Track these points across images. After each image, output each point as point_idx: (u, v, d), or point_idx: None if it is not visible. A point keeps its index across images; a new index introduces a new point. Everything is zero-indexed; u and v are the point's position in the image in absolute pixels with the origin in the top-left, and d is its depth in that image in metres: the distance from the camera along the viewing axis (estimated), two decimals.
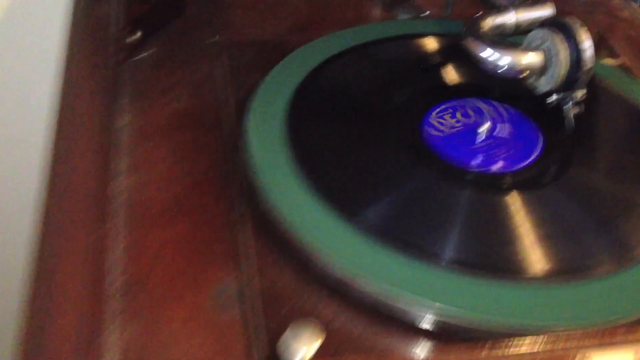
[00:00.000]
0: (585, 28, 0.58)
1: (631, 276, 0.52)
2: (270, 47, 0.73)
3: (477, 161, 0.59)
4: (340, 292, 0.51)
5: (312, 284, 0.52)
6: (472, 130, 0.62)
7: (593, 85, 0.68)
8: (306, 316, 0.49)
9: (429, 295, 0.49)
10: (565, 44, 0.59)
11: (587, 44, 0.58)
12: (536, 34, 0.61)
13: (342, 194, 0.55)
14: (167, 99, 0.65)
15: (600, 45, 0.80)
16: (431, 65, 0.70)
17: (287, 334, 0.46)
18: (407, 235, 0.52)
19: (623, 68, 0.76)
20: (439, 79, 0.68)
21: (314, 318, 0.48)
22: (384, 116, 0.63)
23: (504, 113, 0.64)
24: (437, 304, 0.48)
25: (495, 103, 0.65)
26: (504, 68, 0.60)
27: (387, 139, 0.61)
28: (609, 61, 0.76)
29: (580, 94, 0.60)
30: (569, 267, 0.52)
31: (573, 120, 0.61)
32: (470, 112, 0.64)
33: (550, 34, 0.59)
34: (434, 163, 0.59)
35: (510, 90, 0.66)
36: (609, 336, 0.50)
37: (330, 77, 0.66)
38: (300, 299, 0.51)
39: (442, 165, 0.59)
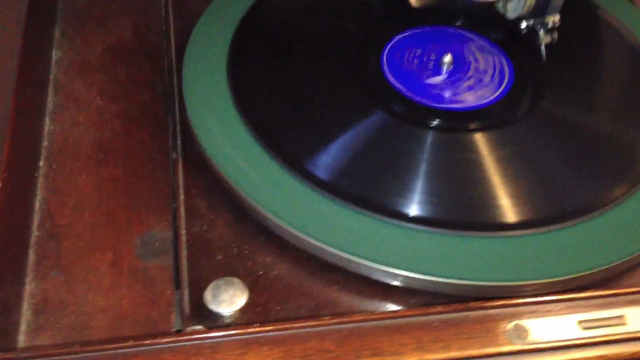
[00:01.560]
0: None
1: (609, 220, 0.48)
2: None
3: (439, 97, 0.54)
4: (278, 242, 0.47)
5: (248, 233, 0.48)
6: (436, 63, 0.56)
7: (581, 10, 0.62)
8: (236, 269, 0.46)
9: (379, 258, 0.44)
10: None
11: None
12: None
13: (283, 139, 0.50)
14: (105, 30, 0.60)
15: None
16: None
17: (208, 292, 0.43)
18: (356, 187, 0.48)
19: None
20: (397, 5, 0.62)
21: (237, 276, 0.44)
22: (337, 50, 0.57)
23: (471, 42, 0.58)
24: (390, 269, 0.44)
25: (460, 31, 0.59)
26: None
27: (340, 76, 0.55)
28: None
29: (552, 20, 0.54)
30: (545, 215, 0.47)
31: (544, 51, 0.55)
32: (433, 43, 0.58)
33: None
34: (391, 101, 0.53)
35: (478, 15, 0.60)
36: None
37: (279, 7, 0.59)
38: (233, 249, 0.47)
39: (401, 103, 0.53)
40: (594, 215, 0.48)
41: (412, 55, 0.57)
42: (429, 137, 0.51)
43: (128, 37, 0.60)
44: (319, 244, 0.45)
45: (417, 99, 0.54)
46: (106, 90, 0.56)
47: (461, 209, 0.48)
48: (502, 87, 0.55)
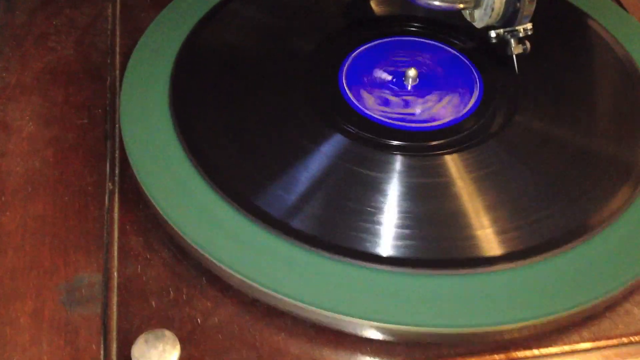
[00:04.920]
0: None
1: (593, 250, 0.43)
2: None
3: (401, 117, 0.49)
4: (220, 284, 0.43)
5: (187, 274, 0.43)
6: (399, 78, 0.52)
7: (564, 16, 0.58)
8: (171, 318, 0.41)
9: (335, 306, 0.40)
10: None
11: None
12: None
13: (228, 172, 0.45)
14: (43, 49, 0.56)
15: None
16: None
17: (136, 347, 0.39)
18: (310, 224, 0.43)
19: None
20: (358, 15, 0.57)
21: (168, 329, 0.40)
22: (292, 69, 0.51)
23: (436, 54, 0.54)
24: (346, 318, 0.40)
25: (426, 41, 0.54)
26: (432, 2, 0.49)
27: (295, 98, 0.50)
28: None
29: (523, 29, 0.49)
30: (525, 247, 0.43)
31: (515, 61, 0.50)
32: (396, 56, 0.53)
33: None
34: (349, 124, 0.48)
35: (446, 24, 0.55)
36: None
37: (226, 24, 0.54)
38: (170, 293, 0.43)
39: (361, 126, 0.48)
40: (584, 241, 0.43)
41: (374, 70, 0.52)
42: (396, 164, 0.46)
43: (70, 55, 0.55)
44: (265, 289, 0.41)
45: (379, 119, 0.49)
46: (41, 114, 0.51)
47: (434, 245, 0.43)
48: (472, 101, 0.51)
